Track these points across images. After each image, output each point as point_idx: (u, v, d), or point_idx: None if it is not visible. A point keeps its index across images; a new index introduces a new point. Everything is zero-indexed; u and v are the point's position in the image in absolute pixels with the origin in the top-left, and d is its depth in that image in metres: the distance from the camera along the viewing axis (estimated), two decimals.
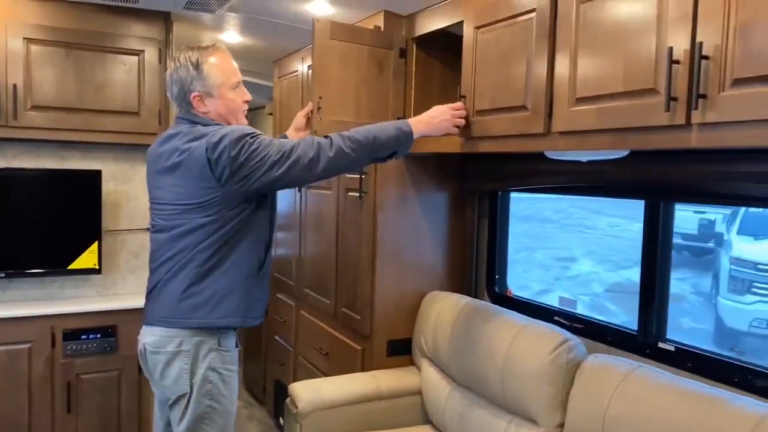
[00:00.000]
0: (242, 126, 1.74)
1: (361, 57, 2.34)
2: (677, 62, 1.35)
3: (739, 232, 5.87)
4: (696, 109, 1.31)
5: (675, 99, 1.35)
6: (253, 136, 1.67)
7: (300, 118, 2.20)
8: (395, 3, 2.33)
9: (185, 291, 1.71)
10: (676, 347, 1.85)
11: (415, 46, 2.50)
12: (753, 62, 1.22)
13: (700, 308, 6.02)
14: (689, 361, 1.79)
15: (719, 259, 5.94)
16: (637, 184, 1.93)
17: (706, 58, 1.29)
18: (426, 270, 2.57)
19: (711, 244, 6.91)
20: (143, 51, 2.75)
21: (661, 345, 1.89)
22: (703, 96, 1.30)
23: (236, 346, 1.83)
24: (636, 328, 1.98)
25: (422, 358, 2.46)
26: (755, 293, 5.14)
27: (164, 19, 2.76)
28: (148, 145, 2.83)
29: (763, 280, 5.14)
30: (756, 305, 5.09)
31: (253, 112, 5.43)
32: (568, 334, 1.92)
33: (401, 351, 2.53)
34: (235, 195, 1.69)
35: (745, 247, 5.51)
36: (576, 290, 7.67)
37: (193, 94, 1.74)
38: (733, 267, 5.38)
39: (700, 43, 1.29)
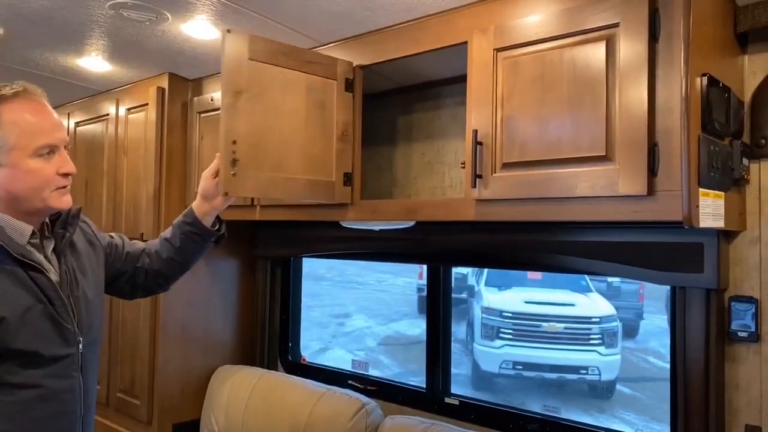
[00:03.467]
0: None
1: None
2: None
3: (486, 284, 6.64)
4: (474, 187, 1.49)
5: None
6: None
7: (209, 180, 1.55)
8: (182, 66, 2.24)
9: None
10: (460, 401, 2.01)
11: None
12: (516, 150, 1.44)
13: (459, 354, 6.53)
14: (472, 413, 1.96)
15: (472, 309, 6.58)
16: (422, 251, 2.10)
17: (481, 144, 1.49)
18: (215, 343, 2.43)
19: (464, 295, 7.65)
20: None
21: (447, 400, 2.04)
22: (480, 176, 1.48)
23: None
24: (424, 386, 2.11)
25: None
26: (502, 338, 5.83)
27: None
28: None
29: (507, 326, 5.85)
30: (503, 349, 5.77)
31: None
32: (365, 398, 1.97)
33: None
34: None
35: (492, 297, 6.23)
36: (352, 346, 7.87)
37: None
38: (484, 315, 6.00)
39: (475, 131, 1.49)
